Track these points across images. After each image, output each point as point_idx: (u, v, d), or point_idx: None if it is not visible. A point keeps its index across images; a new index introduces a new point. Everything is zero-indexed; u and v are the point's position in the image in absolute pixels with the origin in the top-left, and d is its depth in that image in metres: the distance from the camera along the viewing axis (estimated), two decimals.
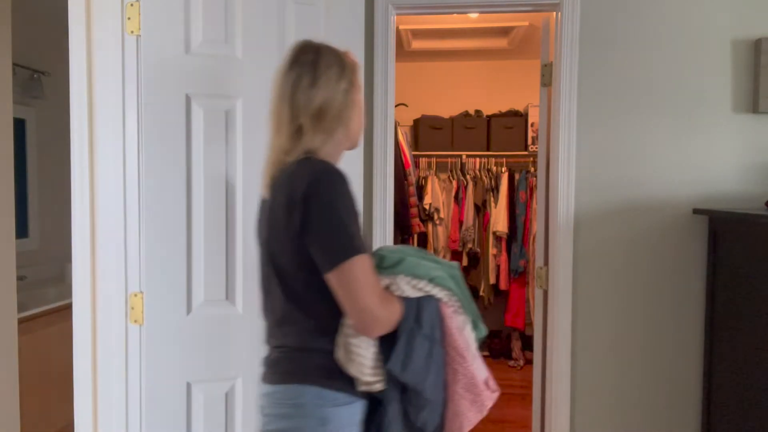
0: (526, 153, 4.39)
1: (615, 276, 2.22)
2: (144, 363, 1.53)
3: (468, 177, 4.37)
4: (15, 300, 2.27)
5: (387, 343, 1.15)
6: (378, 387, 1.15)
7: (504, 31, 4.04)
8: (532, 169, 4.31)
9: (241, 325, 1.58)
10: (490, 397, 1.22)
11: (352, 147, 1.27)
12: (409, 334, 1.16)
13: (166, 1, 1.49)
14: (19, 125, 3.07)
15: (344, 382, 1.14)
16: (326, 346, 1.16)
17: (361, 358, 1.13)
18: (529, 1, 2.22)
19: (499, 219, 4.20)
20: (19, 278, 2.96)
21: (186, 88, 1.51)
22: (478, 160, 4.45)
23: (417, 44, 4.27)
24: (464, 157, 4.43)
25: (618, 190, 2.20)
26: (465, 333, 1.22)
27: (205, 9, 1.52)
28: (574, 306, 2.22)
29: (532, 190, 4.22)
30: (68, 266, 3.20)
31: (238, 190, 1.56)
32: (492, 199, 4.30)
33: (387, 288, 1.17)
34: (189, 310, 1.54)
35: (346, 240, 1.10)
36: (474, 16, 3.59)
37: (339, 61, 1.23)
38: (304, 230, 1.10)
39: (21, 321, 2.44)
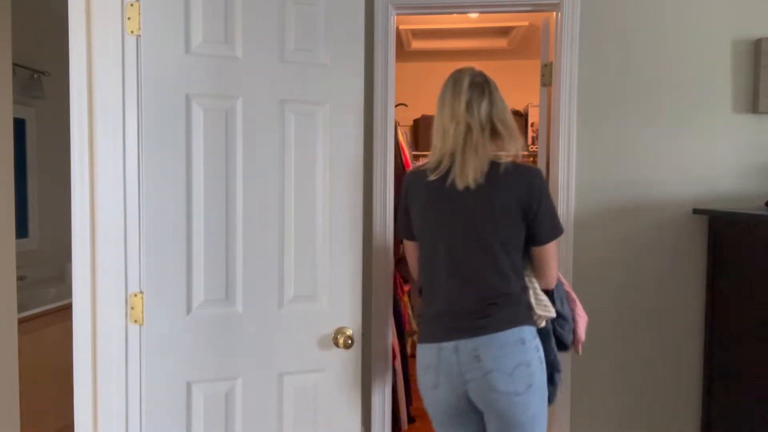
0: (526, 153, 4.39)
1: (615, 276, 2.22)
2: (144, 363, 1.53)
3: None
4: (15, 300, 2.27)
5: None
6: (544, 323, 1.64)
7: (504, 31, 4.05)
8: None
9: (241, 325, 1.58)
10: (583, 320, 1.76)
11: (517, 151, 1.63)
12: (556, 286, 1.68)
13: (166, 1, 1.49)
14: (19, 125, 3.07)
15: (534, 320, 1.61)
16: (527, 297, 1.62)
17: (546, 302, 1.62)
18: (529, 1, 2.22)
19: None
20: (19, 278, 2.96)
21: (186, 88, 1.51)
22: None
23: (417, 44, 4.27)
24: None
25: (618, 190, 2.21)
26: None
27: (205, 9, 1.52)
28: None
29: None
30: (68, 266, 3.20)
31: (238, 189, 1.56)
32: None
33: None
34: (189, 310, 1.54)
35: (556, 224, 1.61)
36: (474, 16, 3.60)
37: (496, 85, 1.65)
38: (531, 215, 1.57)
39: (21, 321, 2.44)
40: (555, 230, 1.59)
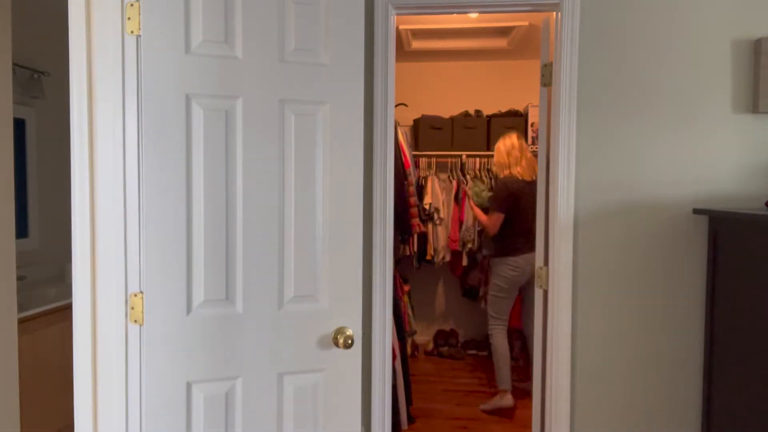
0: None
1: (615, 276, 2.22)
2: (144, 363, 1.53)
3: (468, 177, 4.38)
4: (15, 300, 2.27)
5: None
6: None
7: (504, 31, 4.05)
8: None
9: (241, 325, 1.58)
10: None
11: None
12: None
13: (166, 1, 1.49)
14: (19, 125, 3.07)
15: None
16: None
17: None
18: (529, 1, 2.22)
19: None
20: (19, 278, 2.96)
21: (186, 88, 1.51)
22: (478, 160, 4.45)
23: (417, 44, 4.27)
24: (464, 157, 4.43)
25: (618, 190, 2.21)
26: None
27: (204, 9, 1.52)
28: (574, 306, 2.23)
29: None
30: (68, 266, 3.20)
31: (238, 189, 1.56)
32: None
33: None
34: (189, 310, 1.55)
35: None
36: (474, 16, 3.60)
37: (523, 138, 3.54)
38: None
39: (21, 321, 2.44)
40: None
